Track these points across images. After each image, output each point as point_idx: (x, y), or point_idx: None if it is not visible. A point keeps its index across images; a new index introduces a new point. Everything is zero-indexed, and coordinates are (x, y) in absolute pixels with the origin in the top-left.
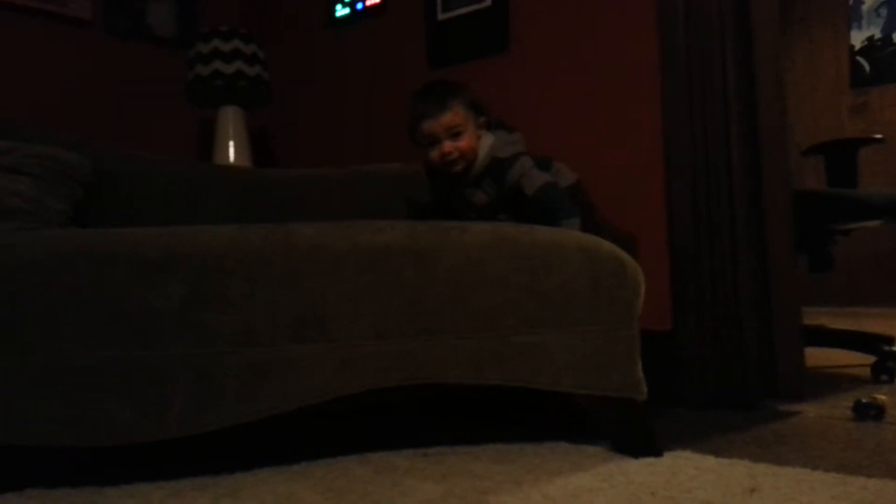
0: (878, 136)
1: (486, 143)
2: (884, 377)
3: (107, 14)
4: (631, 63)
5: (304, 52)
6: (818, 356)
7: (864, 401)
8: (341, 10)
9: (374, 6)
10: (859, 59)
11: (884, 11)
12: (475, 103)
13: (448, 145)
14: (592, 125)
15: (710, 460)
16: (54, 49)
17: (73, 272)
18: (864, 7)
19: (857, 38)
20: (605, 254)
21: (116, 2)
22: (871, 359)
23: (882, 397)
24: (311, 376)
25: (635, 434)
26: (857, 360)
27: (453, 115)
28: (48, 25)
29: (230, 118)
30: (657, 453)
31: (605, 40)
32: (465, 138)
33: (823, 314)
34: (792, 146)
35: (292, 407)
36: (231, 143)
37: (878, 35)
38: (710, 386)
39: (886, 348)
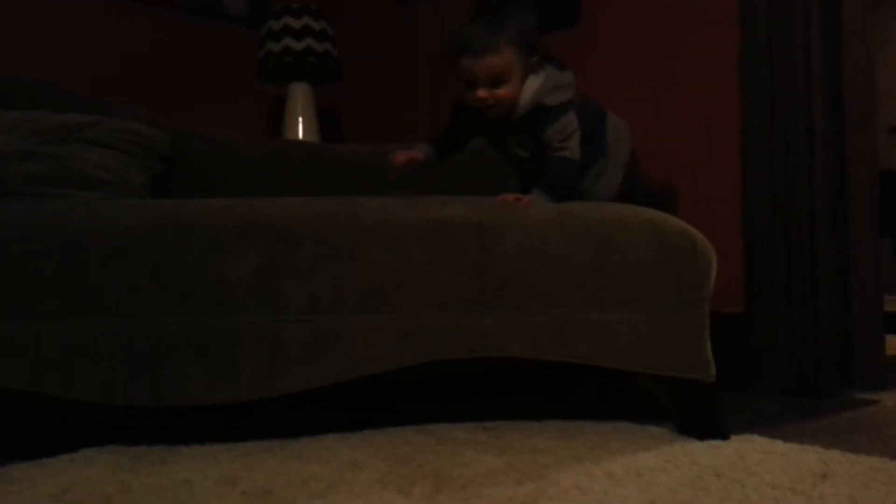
0: None
1: (533, 86)
2: None
3: None
4: (708, 38)
5: (373, 28)
6: None
7: None
8: None
9: None
10: None
11: None
12: (531, 36)
13: (484, 92)
14: (666, 102)
15: (779, 445)
16: (134, 27)
17: (153, 241)
18: None
19: None
20: (673, 231)
21: None
22: None
23: None
24: (374, 346)
25: (701, 416)
26: None
27: (500, 58)
28: (127, 4)
29: (299, 95)
30: (724, 436)
31: (682, 14)
32: (508, 86)
33: None
34: (880, 123)
35: (355, 375)
36: (300, 120)
37: None
38: (783, 372)
39: None
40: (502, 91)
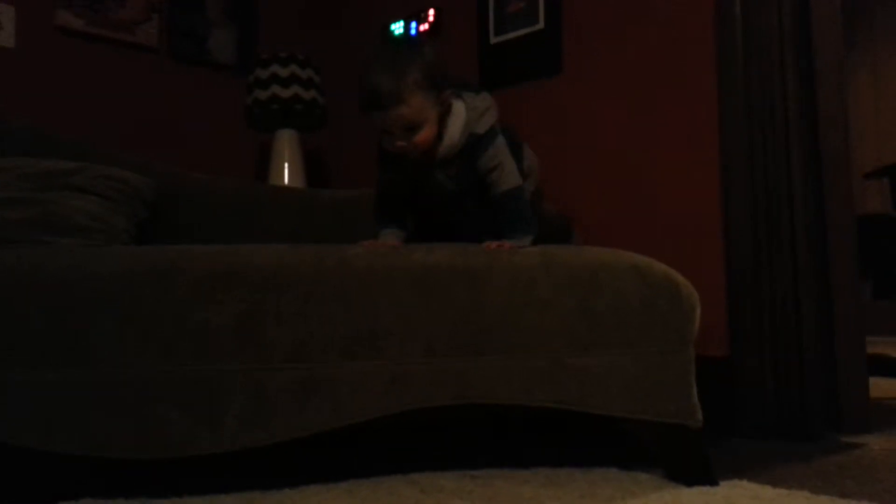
0: None
1: (459, 121)
2: None
3: (171, 41)
4: (688, 85)
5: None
6: (884, 387)
7: None
8: (396, 34)
9: (427, 30)
10: None
11: None
12: (437, 72)
13: (402, 142)
14: (647, 149)
15: (768, 491)
16: (122, 74)
17: (136, 288)
18: None
19: None
20: (658, 275)
21: (180, 29)
22: None
23: None
24: (360, 393)
25: (689, 462)
26: None
27: (408, 107)
28: (117, 52)
29: (286, 141)
30: (712, 482)
31: (662, 63)
32: (424, 131)
33: (888, 343)
34: (855, 168)
35: (342, 424)
36: (286, 165)
37: None
38: (769, 415)
39: None
40: (419, 137)
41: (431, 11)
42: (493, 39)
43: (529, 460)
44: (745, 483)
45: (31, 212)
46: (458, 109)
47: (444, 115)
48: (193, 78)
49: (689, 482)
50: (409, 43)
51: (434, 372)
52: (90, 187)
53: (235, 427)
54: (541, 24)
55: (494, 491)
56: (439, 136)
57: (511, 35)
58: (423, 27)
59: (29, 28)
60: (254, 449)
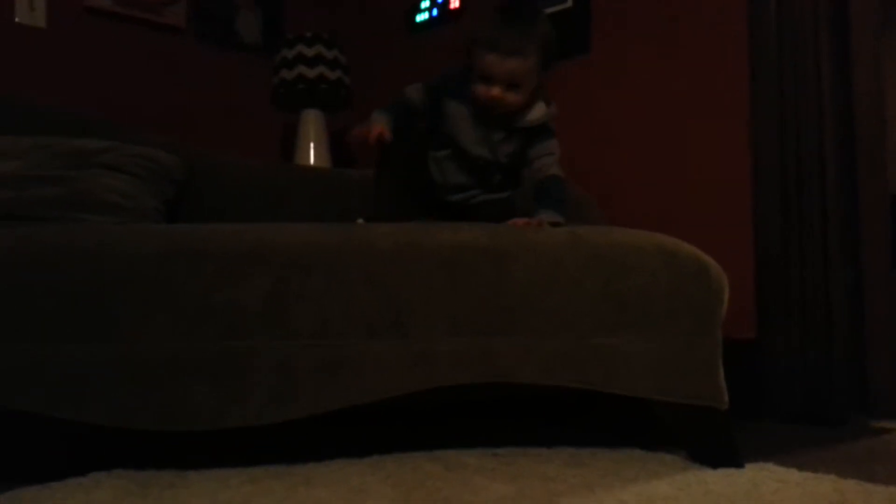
0: None
1: (542, 106)
2: None
3: (198, 22)
4: (719, 65)
5: (385, 56)
6: None
7: None
8: (421, 16)
9: (454, 11)
10: None
11: None
12: (552, 51)
13: (499, 92)
14: (676, 128)
15: (794, 474)
16: (149, 55)
17: (165, 267)
18: None
19: None
20: (685, 256)
21: (207, 11)
22: None
23: None
24: (384, 371)
25: (715, 444)
26: None
27: (524, 63)
28: (145, 33)
29: (312, 121)
30: (738, 464)
31: (692, 42)
32: (520, 93)
33: None
34: (891, 147)
35: (366, 400)
36: (312, 145)
37: None
38: (797, 399)
39: None
40: (514, 96)
41: None
42: None
43: (553, 440)
44: (771, 466)
45: (62, 190)
46: (543, 102)
47: (535, 91)
48: (220, 59)
49: (715, 464)
50: (540, 13)
51: (458, 351)
52: (121, 166)
53: (262, 402)
54: (569, 3)
55: (517, 469)
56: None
57: None
58: (453, 5)
59: (59, 8)
60: (281, 424)
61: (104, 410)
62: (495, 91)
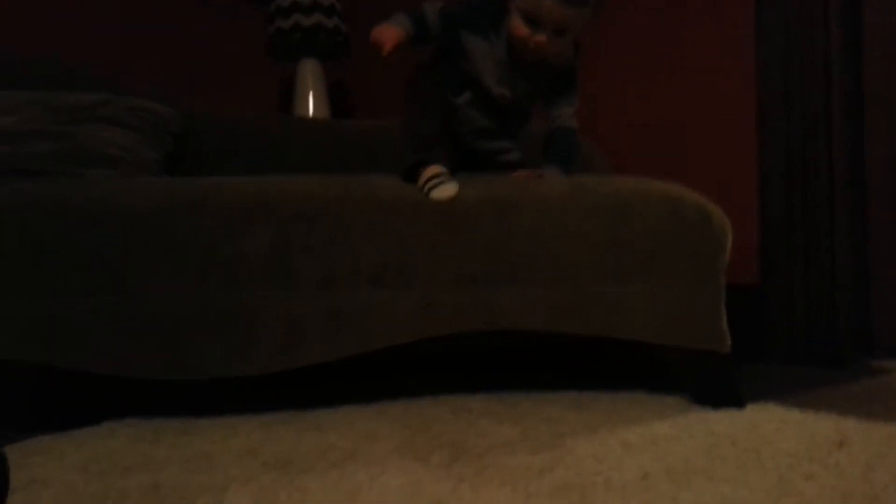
0: None
1: (572, 51)
2: None
3: None
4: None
5: (382, 1)
6: None
7: None
8: None
9: None
10: None
11: None
12: (601, 6)
13: (544, 39)
14: (681, 74)
15: (794, 413)
16: (141, 5)
17: (168, 220)
18: None
19: None
20: (690, 205)
21: None
22: None
23: None
24: (389, 321)
25: (717, 386)
26: None
27: (581, 15)
28: None
29: (309, 71)
30: (740, 405)
31: None
32: (565, 41)
33: None
34: None
35: (371, 349)
36: (310, 96)
37: None
38: (799, 341)
39: None
40: (559, 45)
41: None
42: None
43: (557, 385)
44: (772, 406)
45: (60, 144)
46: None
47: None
48: (214, 8)
49: (717, 405)
50: None
51: (463, 301)
52: (118, 119)
53: (269, 352)
54: None
55: (522, 412)
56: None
57: None
58: None
59: None
60: (291, 374)
61: (111, 362)
62: (541, 38)
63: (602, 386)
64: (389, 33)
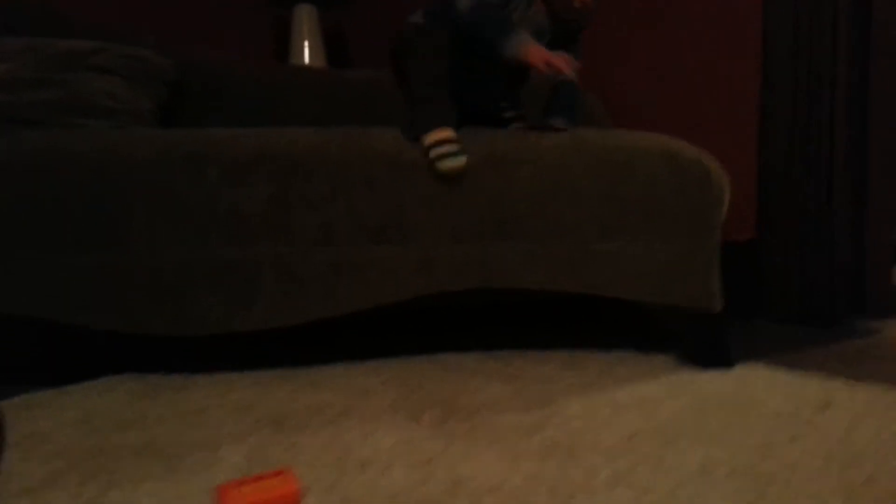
0: None
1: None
2: None
3: None
4: None
5: None
6: None
7: None
8: None
9: None
10: None
11: None
12: None
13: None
14: (686, 22)
15: (782, 374)
16: None
17: (167, 172)
18: None
19: None
20: (689, 160)
21: None
22: None
23: None
24: (388, 276)
25: (707, 345)
26: None
27: None
28: None
29: (305, 18)
30: (728, 365)
31: None
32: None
33: None
34: None
35: (370, 305)
36: (306, 44)
37: None
38: (794, 299)
39: None
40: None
41: None
42: None
43: (550, 343)
44: (760, 366)
45: (56, 93)
46: None
47: None
48: None
49: (706, 364)
50: None
51: (461, 257)
52: (113, 68)
53: (268, 307)
54: None
55: (514, 370)
56: None
57: None
58: None
59: None
60: (288, 329)
61: (114, 317)
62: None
63: (594, 344)
64: (560, 61)
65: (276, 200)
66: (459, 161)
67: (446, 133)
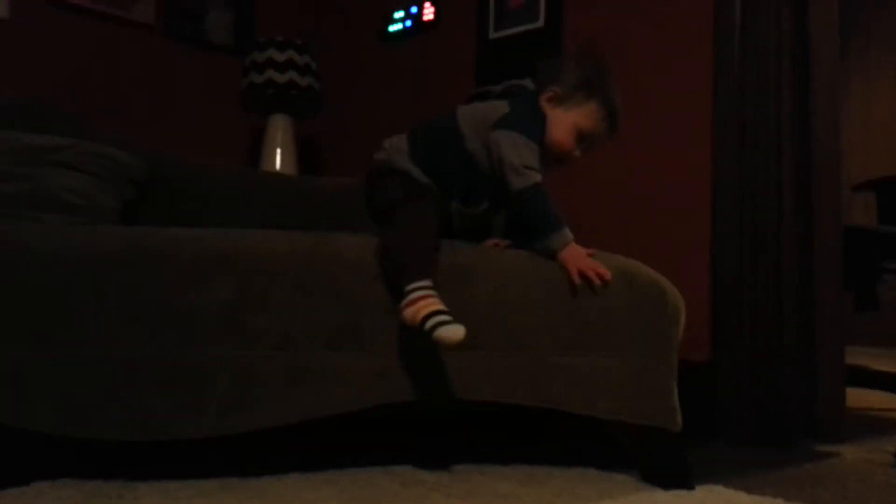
0: None
1: None
2: None
3: (168, 19)
4: (683, 90)
5: (357, 64)
6: (860, 398)
7: None
8: (395, 25)
9: (427, 22)
10: None
11: None
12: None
13: (579, 153)
14: (640, 152)
15: (742, 497)
16: (116, 51)
17: (125, 269)
18: None
19: None
20: (645, 280)
21: (178, 8)
22: None
23: None
24: (345, 385)
25: (667, 465)
26: None
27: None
28: (112, 28)
29: (280, 126)
30: (689, 486)
31: (660, 69)
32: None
33: (867, 355)
34: (844, 180)
35: (325, 414)
36: (279, 151)
37: None
38: (747, 421)
39: None
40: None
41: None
42: (493, 34)
43: (508, 458)
44: (720, 488)
45: (18, 187)
46: None
47: None
48: (189, 58)
49: (666, 485)
50: None
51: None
52: (79, 164)
53: (218, 413)
54: (541, 23)
55: (472, 486)
56: None
57: (511, 31)
58: (426, 17)
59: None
60: (236, 435)
61: (56, 418)
62: (579, 153)
63: (555, 459)
64: (593, 271)
65: (236, 303)
66: (460, 330)
67: (436, 303)
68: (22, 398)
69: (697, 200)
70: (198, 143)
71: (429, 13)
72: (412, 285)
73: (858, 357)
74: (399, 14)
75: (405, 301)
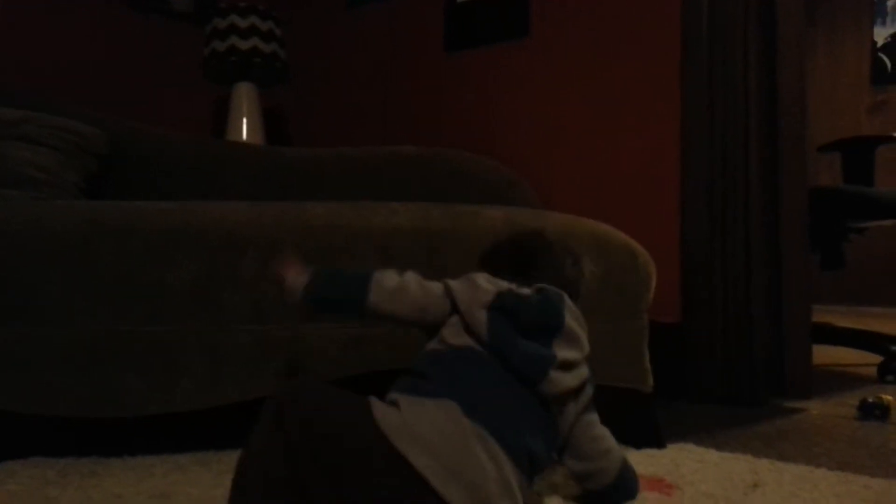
0: None
1: None
2: (890, 377)
3: None
4: (652, 55)
5: (322, 31)
6: (825, 354)
7: (869, 400)
8: None
9: None
10: (882, 55)
11: None
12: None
13: None
14: (611, 116)
15: (712, 454)
16: (73, 20)
17: (89, 244)
18: (889, 3)
19: (881, 35)
20: (616, 244)
21: None
22: (878, 358)
23: (888, 397)
24: (320, 355)
25: (639, 425)
26: (864, 360)
27: None
28: None
29: (244, 95)
30: (660, 445)
31: (628, 34)
32: None
33: (833, 312)
34: (809, 142)
35: None
36: (244, 121)
37: None
38: (717, 380)
39: (893, 348)
40: None
41: None
42: None
43: None
44: (691, 446)
45: None
46: None
47: None
48: (149, 26)
49: (638, 444)
50: None
51: (395, 334)
52: (40, 138)
53: (190, 388)
54: None
55: None
56: None
57: None
58: None
59: None
60: (210, 410)
61: (24, 397)
62: None
63: None
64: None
65: (204, 277)
66: None
67: None
68: None
69: (668, 164)
70: (160, 114)
71: None
72: None
73: (823, 315)
74: None
75: None
